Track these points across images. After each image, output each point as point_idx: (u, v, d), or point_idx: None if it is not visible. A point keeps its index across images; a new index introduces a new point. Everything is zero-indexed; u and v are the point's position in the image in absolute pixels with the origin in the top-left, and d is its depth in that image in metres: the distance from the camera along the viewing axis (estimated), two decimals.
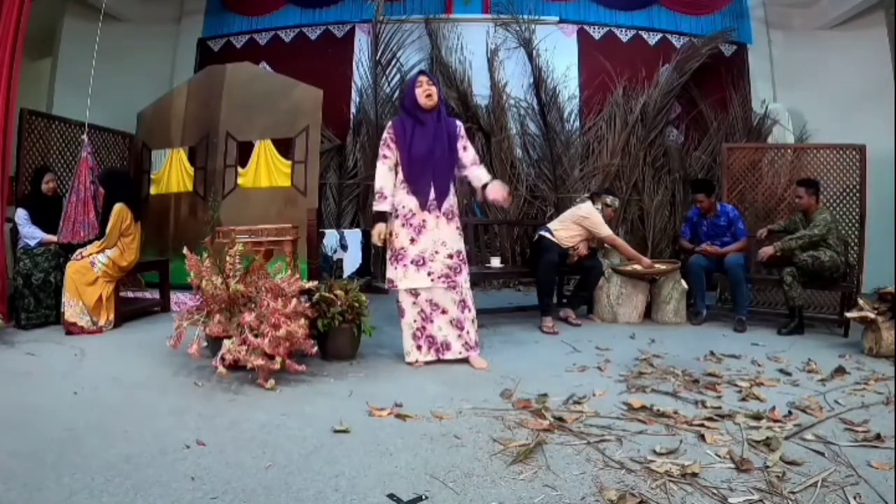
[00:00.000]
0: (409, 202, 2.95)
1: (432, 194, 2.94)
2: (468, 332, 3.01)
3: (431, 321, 2.99)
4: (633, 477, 1.68)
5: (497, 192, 2.97)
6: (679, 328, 4.17)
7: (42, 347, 3.26)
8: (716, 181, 5.27)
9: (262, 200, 5.19)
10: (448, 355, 2.99)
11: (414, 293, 2.97)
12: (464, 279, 2.97)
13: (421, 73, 3.07)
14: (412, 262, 2.93)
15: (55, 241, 3.97)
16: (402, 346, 3.03)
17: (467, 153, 3.07)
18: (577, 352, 3.35)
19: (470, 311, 3.02)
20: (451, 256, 2.94)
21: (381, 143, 3.02)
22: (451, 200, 3.00)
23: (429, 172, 2.93)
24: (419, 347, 3.00)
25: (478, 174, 3.07)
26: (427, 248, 2.93)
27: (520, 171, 6.49)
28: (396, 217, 2.98)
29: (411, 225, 2.95)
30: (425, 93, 2.92)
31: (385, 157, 2.99)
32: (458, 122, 3.13)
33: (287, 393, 2.50)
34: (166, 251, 5.15)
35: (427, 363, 2.99)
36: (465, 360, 3.00)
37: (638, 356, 3.20)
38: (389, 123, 3.06)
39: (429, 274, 2.93)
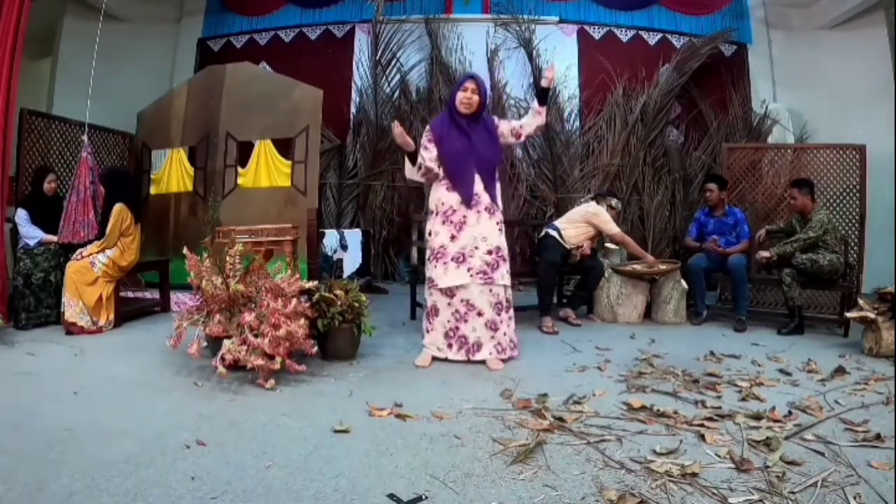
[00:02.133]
0: (450, 199, 2.95)
1: (476, 188, 2.93)
2: (503, 334, 2.99)
3: (466, 321, 2.97)
4: (633, 477, 1.68)
5: (549, 78, 2.93)
6: (679, 328, 4.17)
7: (42, 347, 3.26)
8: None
9: (262, 200, 5.18)
10: (478, 356, 2.98)
11: (449, 294, 2.96)
12: (500, 276, 2.95)
13: (471, 77, 3.03)
14: (452, 260, 2.93)
15: (55, 240, 3.97)
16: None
17: (510, 122, 3.10)
18: (577, 352, 3.35)
19: (507, 312, 3.00)
20: (489, 252, 2.93)
21: (421, 144, 3.03)
22: (494, 194, 2.98)
23: (471, 168, 2.92)
24: (450, 346, 2.99)
25: (528, 117, 3.04)
26: (467, 244, 2.93)
27: (520, 171, 6.50)
28: (436, 215, 2.98)
29: (451, 222, 2.94)
30: (465, 99, 2.91)
31: (425, 147, 2.99)
32: (494, 117, 3.16)
33: (287, 393, 2.50)
34: (166, 251, 5.14)
35: (436, 359, 2.99)
36: (469, 361, 2.98)
37: (638, 356, 3.20)
38: (428, 126, 3.07)
39: (468, 270, 2.92)
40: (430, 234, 2.99)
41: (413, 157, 3.00)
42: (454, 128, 2.94)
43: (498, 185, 3.03)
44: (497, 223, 2.98)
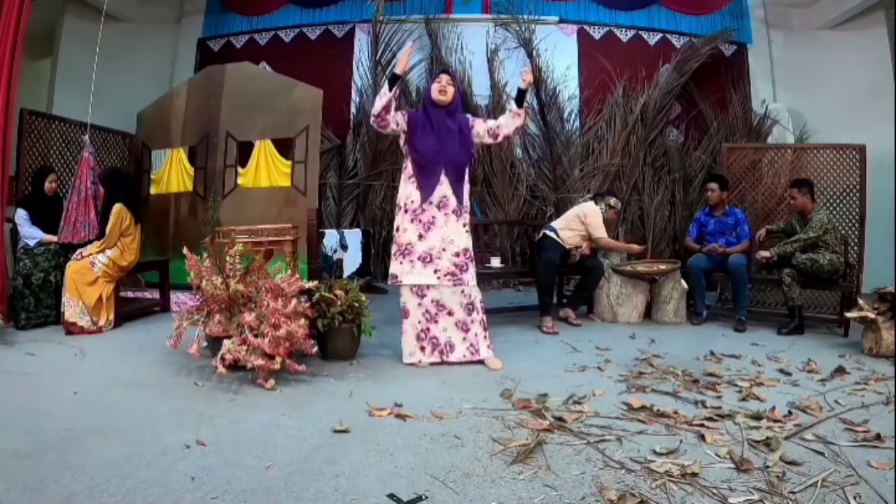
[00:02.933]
0: (417, 196, 2.94)
1: (440, 190, 2.93)
2: (475, 335, 2.99)
3: (436, 322, 2.96)
4: (633, 477, 1.68)
5: (526, 80, 2.98)
6: (679, 328, 4.17)
7: (42, 347, 3.26)
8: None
9: (262, 200, 5.18)
10: (452, 357, 2.98)
11: (420, 293, 2.95)
12: (470, 277, 2.95)
13: (444, 71, 3.10)
14: (419, 259, 2.92)
15: (55, 241, 3.97)
16: (402, 347, 3.02)
17: (486, 122, 3.10)
18: (577, 352, 3.35)
19: (478, 313, 3.00)
20: (457, 254, 2.93)
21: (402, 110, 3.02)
22: (462, 196, 2.98)
23: (439, 170, 2.93)
24: (423, 349, 2.98)
25: (506, 118, 3.07)
26: (435, 244, 2.92)
27: (520, 171, 6.50)
28: (405, 212, 2.97)
29: (420, 221, 2.93)
30: (440, 88, 2.94)
31: (403, 114, 2.98)
32: (469, 115, 3.18)
33: (287, 393, 2.50)
34: (166, 251, 5.15)
35: (430, 364, 2.97)
36: (468, 361, 2.99)
37: (638, 356, 3.20)
38: (408, 111, 3.07)
39: (435, 271, 2.91)
40: (397, 229, 2.99)
41: (393, 84, 2.86)
42: (428, 123, 2.96)
43: (466, 187, 3.03)
44: (464, 225, 2.99)
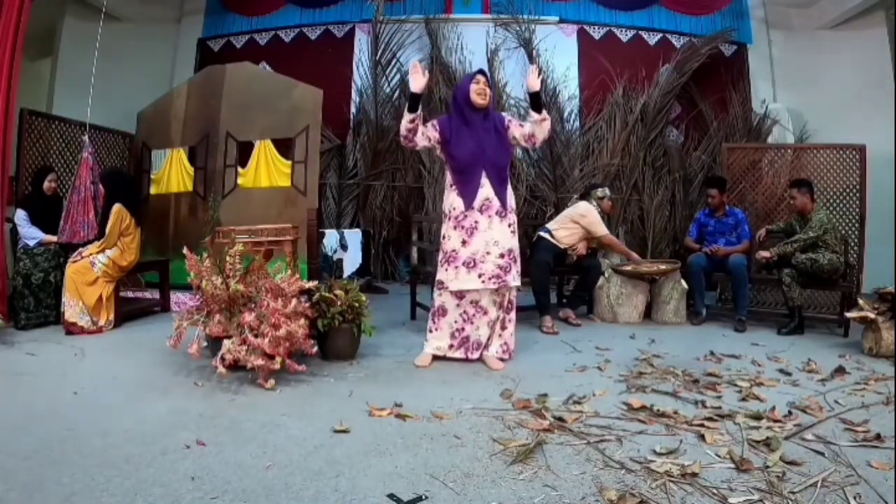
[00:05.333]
0: (461, 203, 2.92)
1: (482, 194, 2.90)
2: (511, 335, 3.04)
3: (472, 322, 2.98)
4: (633, 477, 1.68)
5: (532, 80, 2.90)
6: (679, 328, 4.17)
7: (42, 347, 3.26)
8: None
9: (262, 200, 5.18)
10: (475, 355, 3.01)
11: (458, 295, 2.95)
12: (511, 278, 2.93)
13: (480, 71, 3.04)
14: (463, 265, 2.90)
15: (55, 241, 3.97)
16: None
17: (522, 127, 2.99)
18: (577, 352, 3.35)
19: (509, 313, 3.03)
20: (502, 256, 2.91)
21: (430, 122, 2.97)
22: (505, 198, 2.95)
23: (479, 172, 2.90)
24: (451, 346, 3.00)
25: (534, 126, 2.94)
26: (478, 249, 2.90)
27: (520, 171, 6.49)
28: (449, 219, 2.96)
29: (463, 227, 2.92)
30: (479, 91, 2.89)
31: (433, 126, 2.93)
32: (504, 114, 3.14)
33: (287, 393, 2.50)
34: (166, 251, 5.14)
35: (436, 359, 3.00)
36: (468, 360, 3.00)
37: (638, 356, 3.20)
38: (436, 119, 3.01)
39: (479, 276, 2.90)
40: (443, 237, 2.99)
41: (415, 104, 2.84)
42: (465, 127, 2.91)
43: (509, 188, 3.00)
44: (509, 225, 2.96)
